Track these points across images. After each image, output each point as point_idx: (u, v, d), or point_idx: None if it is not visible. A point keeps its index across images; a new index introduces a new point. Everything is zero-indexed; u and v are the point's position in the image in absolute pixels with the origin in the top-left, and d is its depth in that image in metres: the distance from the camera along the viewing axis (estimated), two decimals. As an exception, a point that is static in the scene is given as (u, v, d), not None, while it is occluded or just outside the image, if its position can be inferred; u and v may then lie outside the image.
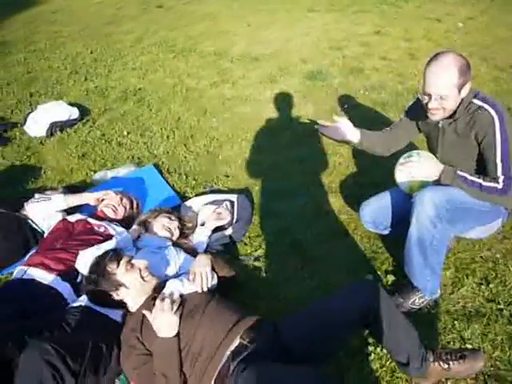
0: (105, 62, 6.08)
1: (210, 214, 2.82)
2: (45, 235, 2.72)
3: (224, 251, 2.76)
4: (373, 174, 3.26)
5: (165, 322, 1.81)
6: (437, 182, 2.14)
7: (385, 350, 1.99)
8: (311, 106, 4.57)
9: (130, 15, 8.28)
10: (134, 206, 2.96)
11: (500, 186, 2.02)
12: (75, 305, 2.18)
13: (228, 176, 3.54)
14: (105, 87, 5.32)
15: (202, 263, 2.14)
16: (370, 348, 2.05)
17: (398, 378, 1.95)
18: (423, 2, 7.57)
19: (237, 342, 1.78)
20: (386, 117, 4.21)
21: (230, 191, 3.28)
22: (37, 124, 4.24)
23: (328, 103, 4.59)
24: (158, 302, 1.85)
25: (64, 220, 2.71)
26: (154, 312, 1.84)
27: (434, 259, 2.13)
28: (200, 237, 2.72)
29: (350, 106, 4.49)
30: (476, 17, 6.74)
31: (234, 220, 2.89)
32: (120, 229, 2.70)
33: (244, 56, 5.96)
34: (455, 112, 2.13)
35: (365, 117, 4.26)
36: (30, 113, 4.40)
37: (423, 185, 2.14)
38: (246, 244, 2.83)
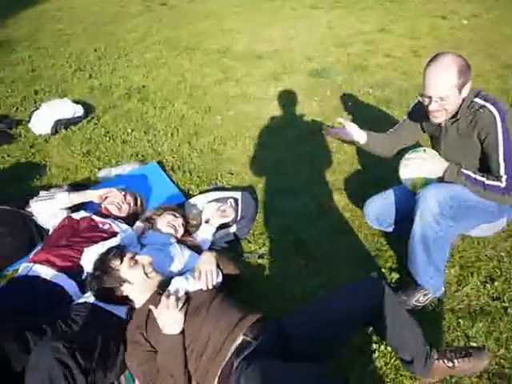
0: (109, 60, 6.09)
1: (214, 212, 2.82)
2: (50, 232, 2.73)
3: (228, 248, 2.76)
4: (377, 172, 3.26)
5: (170, 319, 1.82)
6: (440, 180, 2.13)
7: (389, 348, 2.00)
8: (315, 103, 4.56)
9: (134, 13, 8.28)
10: (139, 203, 2.96)
11: (503, 184, 2.02)
12: (80, 301, 2.19)
13: (232, 173, 3.54)
14: (109, 85, 5.32)
15: (207, 261, 2.14)
16: (375, 346, 2.05)
17: (402, 375, 1.95)
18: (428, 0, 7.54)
19: (240, 339, 1.78)
20: (391, 114, 4.21)
21: (234, 189, 3.28)
22: (41, 121, 4.25)
23: (332, 101, 4.59)
24: (163, 298, 1.85)
25: (69, 217, 2.72)
26: (158, 309, 1.84)
27: (437, 256, 2.13)
28: (204, 234, 2.72)
29: (354, 104, 4.48)
30: (481, 14, 6.71)
31: (239, 217, 2.89)
32: (124, 226, 2.70)
33: (248, 54, 5.95)
34: (457, 112, 2.13)
35: (369, 114, 4.26)
36: (34, 110, 4.40)
37: (427, 182, 2.15)
38: (250, 241, 2.83)
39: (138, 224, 2.69)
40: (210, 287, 2.03)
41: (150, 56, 6.15)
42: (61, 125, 4.25)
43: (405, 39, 5.99)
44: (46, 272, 2.31)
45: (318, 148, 3.79)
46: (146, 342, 1.87)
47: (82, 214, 2.76)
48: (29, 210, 2.85)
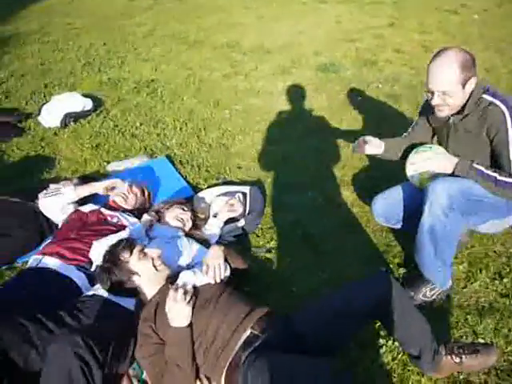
0: (118, 54, 6.10)
1: (222, 206, 2.83)
2: (59, 226, 2.75)
3: (236, 243, 2.76)
4: (385, 168, 3.24)
5: (178, 312, 1.82)
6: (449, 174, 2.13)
7: (396, 343, 1.99)
8: (324, 98, 4.55)
9: (143, 7, 8.28)
10: (146, 194, 2.98)
11: None
12: (89, 293, 2.20)
13: (240, 168, 3.54)
14: (118, 79, 5.33)
15: (215, 255, 2.14)
16: (382, 341, 2.05)
17: (409, 370, 1.95)
18: (439, -6, 7.49)
19: (248, 333, 1.79)
20: (399, 110, 4.19)
21: (243, 183, 3.29)
22: (51, 115, 4.27)
23: (340, 96, 4.57)
24: (170, 292, 1.86)
25: (77, 210, 2.74)
26: (166, 302, 1.85)
27: (444, 250, 2.12)
28: (212, 228, 2.73)
29: (362, 99, 4.47)
30: (492, 8, 6.65)
31: (247, 212, 2.90)
32: (133, 219, 2.72)
33: (256, 48, 5.94)
34: (464, 108, 2.11)
35: (378, 110, 4.24)
36: (44, 104, 4.43)
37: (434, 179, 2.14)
38: (258, 236, 2.83)
39: (146, 217, 2.70)
40: (218, 281, 2.04)
41: (158, 50, 6.16)
42: (70, 118, 4.27)
43: (414, 34, 5.96)
44: (55, 264, 2.33)
45: (327, 142, 3.78)
46: (155, 334, 1.88)
47: (90, 207, 2.78)
48: (38, 203, 2.87)
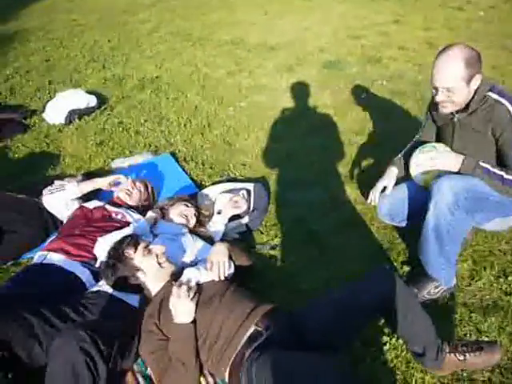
0: (122, 51, 6.11)
1: (226, 203, 2.83)
2: (64, 222, 2.76)
3: (240, 239, 2.77)
4: (390, 165, 3.24)
5: (181, 309, 1.83)
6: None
7: (400, 341, 1.99)
8: (328, 95, 4.54)
9: (146, 3, 8.28)
10: (149, 189, 2.98)
11: None
12: (94, 289, 2.21)
13: (244, 165, 3.54)
14: (122, 75, 5.34)
15: (220, 252, 2.14)
16: (386, 338, 2.05)
17: (413, 368, 1.94)
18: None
19: (252, 329, 1.79)
20: (404, 107, 4.17)
21: (247, 180, 3.29)
22: (55, 112, 4.29)
23: (345, 93, 4.56)
24: (174, 288, 1.87)
25: (82, 207, 2.75)
26: (170, 298, 1.86)
27: (449, 247, 2.11)
28: (216, 225, 2.73)
29: (367, 96, 4.45)
30: (498, 5, 6.61)
31: (251, 209, 2.90)
32: (137, 216, 2.73)
33: (261, 45, 5.93)
34: (468, 105, 2.10)
35: (382, 107, 4.23)
36: (48, 100, 4.45)
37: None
38: (262, 233, 2.83)
39: (151, 214, 2.70)
40: (222, 278, 2.04)
41: (162, 47, 6.16)
42: (74, 115, 4.29)
43: (419, 31, 5.93)
44: (60, 260, 2.34)
45: (331, 140, 3.78)
46: (159, 330, 1.88)
47: (95, 203, 2.79)
48: (42, 200, 2.88)
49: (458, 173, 2.09)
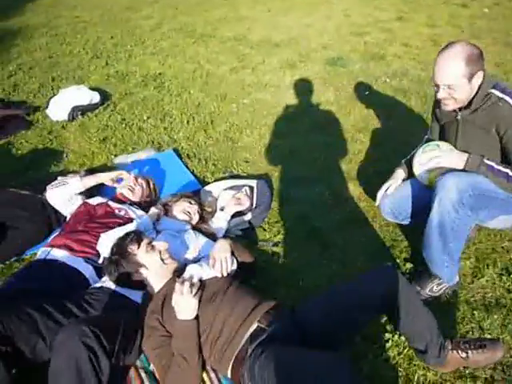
0: (125, 47, 6.11)
1: (229, 199, 2.83)
2: (67, 218, 2.76)
3: (243, 236, 2.77)
4: (392, 162, 3.19)
5: (184, 305, 1.83)
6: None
7: (402, 338, 1.99)
8: (331, 92, 4.54)
9: (149, 0, 8.27)
10: (151, 185, 2.99)
11: None
12: (97, 285, 2.22)
13: (247, 162, 3.54)
14: (125, 72, 5.34)
15: (222, 248, 2.14)
16: (388, 335, 2.05)
17: (415, 365, 1.95)
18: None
19: (254, 326, 1.79)
20: (407, 104, 4.16)
21: (250, 177, 3.29)
22: (58, 108, 4.29)
23: (348, 90, 4.55)
24: (177, 285, 1.86)
25: (85, 203, 2.75)
26: (173, 295, 1.86)
27: (453, 245, 2.11)
28: (219, 222, 2.73)
29: (370, 93, 4.44)
30: (503, 2, 6.59)
31: (254, 205, 2.90)
32: (140, 212, 2.73)
33: (264, 42, 5.93)
34: (471, 102, 2.09)
35: (385, 104, 4.22)
36: (52, 97, 4.45)
37: None
38: (264, 230, 2.84)
39: (154, 210, 2.70)
40: (225, 275, 2.04)
41: (165, 43, 6.16)
42: (77, 111, 4.29)
43: (423, 28, 5.91)
44: (63, 256, 2.34)
45: (334, 137, 3.78)
46: (162, 326, 1.89)
47: (98, 199, 2.79)
48: (46, 196, 2.89)
49: (462, 170, 2.09)
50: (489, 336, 2.05)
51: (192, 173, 3.41)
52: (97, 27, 6.96)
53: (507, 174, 2.01)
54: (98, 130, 4.10)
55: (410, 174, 2.43)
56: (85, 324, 1.73)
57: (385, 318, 2.08)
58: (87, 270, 2.34)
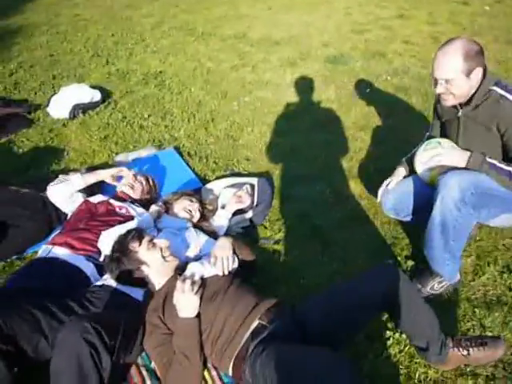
0: (126, 45, 6.10)
1: (230, 197, 2.83)
2: (68, 216, 2.77)
3: (244, 234, 2.77)
4: (393, 160, 3.19)
5: (185, 303, 1.84)
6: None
7: (404, 335, 1.99)
8: (332, 90, 4.53)
9: (149, -2, 8.27)
10: (150, 182, 3.00)
11: None
12: (98, 283, 2.22)
13: (248, 160, 3.54)
14: (126, 70, 5.34)
15: (224, 246, 2.15)
16: (389, 333, 2.05)
17: (416, 363, 1.95)
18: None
19: (256, 324, 1.80)
20: (408, 102, 4.16)
21: (251, 175, 3.29)
22: (59, 106, 4.29)
23: (349, 87, 4.55)
24: (178, 283, 1.87)
25: (86, 201, 2.76)
26: (174, 293, 1.86)
27: (455, 243, 2.11)
28: (220, 220, 2.73)
29: (371, 91, 4.44)
30: (504, 0, 6.56)
31: (255, 203, 2.90)
32: (141, 210, 2.73)
33: (264, 39, 5.92)
34: (471, 99, 2.09)
35: (386, 102, 4.22)
36: (52, 95, 4.45)
37: None
38: (266, 227, 2.84)
39: (154, 208, 2.71)
40: (226, 273, 2.04)
41: (166, 41, 6.15)
42: (78, 109, 4.29)
43: (424, 25, 5.90)
44: (64, 254, 2.34)
45: (335, 135, 3.77)
46: (163, 324, 1.89)
47: (99, 197, 2.79)
48: (47, 194, 2.89)
49: (464, 168, 2.08)
50: (490, 334, 2.05)
51: (193, 171, 3.41)
52: (97, 25, 6.94)
53: (509, 171, 2.00)
54: (98, 128, 4.10)
55: (411, 172, 2.43)
56: (86, 320, 1.74)
57: (386, 316, 2.09)
58: (88, 268, 2.34)
